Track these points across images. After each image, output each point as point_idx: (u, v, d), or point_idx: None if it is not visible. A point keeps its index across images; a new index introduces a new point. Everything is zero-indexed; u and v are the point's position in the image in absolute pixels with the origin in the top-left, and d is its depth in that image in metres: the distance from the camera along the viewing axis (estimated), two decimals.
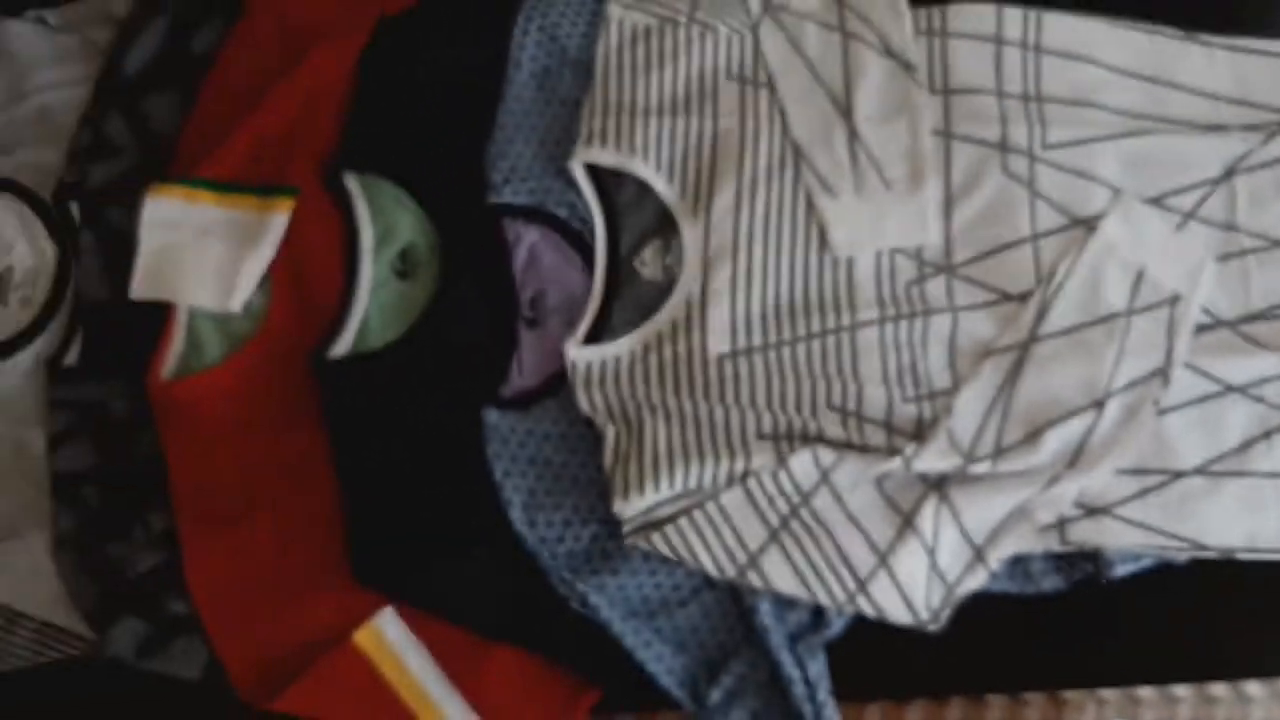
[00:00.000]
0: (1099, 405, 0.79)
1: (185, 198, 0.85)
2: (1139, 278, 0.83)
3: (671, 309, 0.84)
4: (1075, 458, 0.79)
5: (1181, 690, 0.85)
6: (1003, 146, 0.86)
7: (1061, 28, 0.89)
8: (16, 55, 0.93)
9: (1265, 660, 0.84)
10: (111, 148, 0.89)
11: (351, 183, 0.87)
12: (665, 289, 0.85)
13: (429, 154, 0.88)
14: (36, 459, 0.85)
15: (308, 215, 0.86)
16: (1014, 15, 0.89)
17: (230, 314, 0.85)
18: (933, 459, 0.77)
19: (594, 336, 0.84)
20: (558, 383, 0.84)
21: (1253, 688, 0.85)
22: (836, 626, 0.79)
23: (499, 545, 0.80)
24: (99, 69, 0.91)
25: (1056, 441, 0.79)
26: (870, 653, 0.80)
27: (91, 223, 0.88)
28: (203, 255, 0.85)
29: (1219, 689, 0.85)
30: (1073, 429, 0.79)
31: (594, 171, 0.87)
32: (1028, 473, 0.79)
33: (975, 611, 0.78)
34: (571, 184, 0.87)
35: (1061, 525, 0.79)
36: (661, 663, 0.78)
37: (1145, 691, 0.85)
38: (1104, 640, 0.83)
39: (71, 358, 0.87)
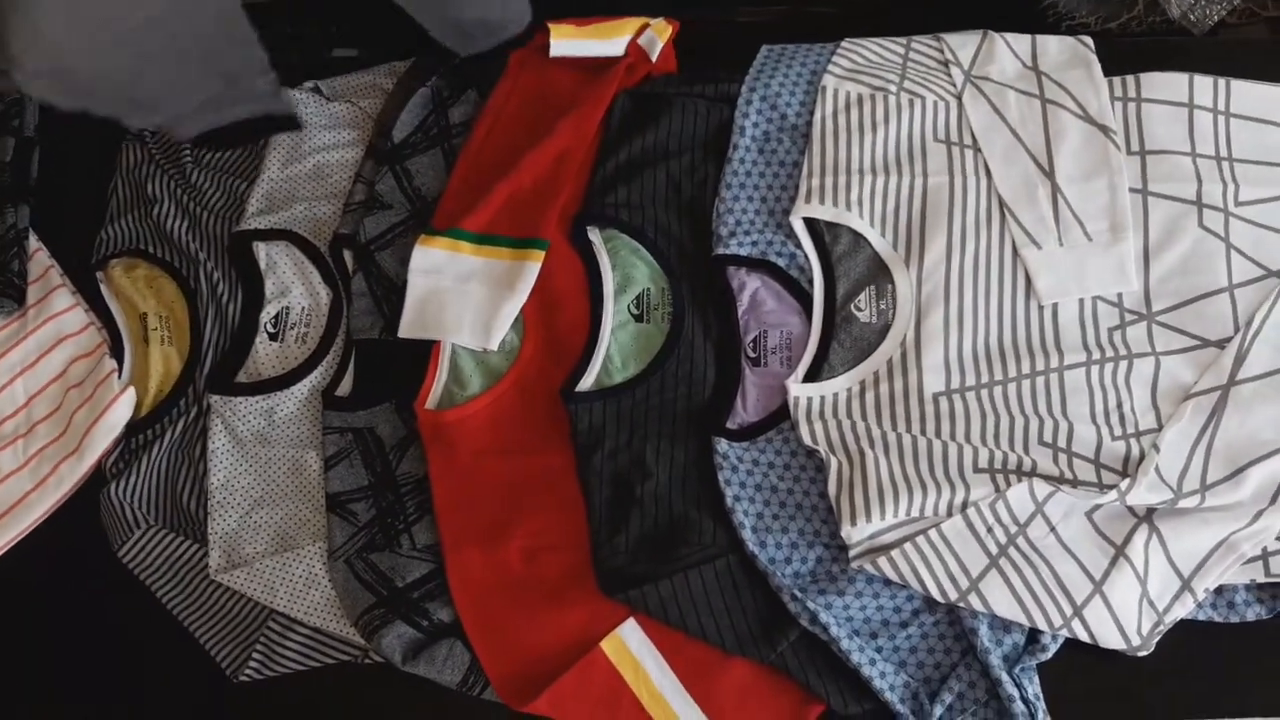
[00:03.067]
0: None
1: (449, 248, 0.95)
2: None
3: (887, 349, 0.91)
4: (1278, 494, 0.84)
5: None
6: (1198, 203, 0.92)
7: (1250, 94, 0.96)
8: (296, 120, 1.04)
9: None
10: (382, 203, 1.00)
11: (594, 236, 0.97)
12: (881, 331, 0.92)
13: (662, 210, 0.97)
14: (313, 478, 0.95)
15: (556, 264, 0.95)
16: (1204, 83, 0.96)
17: (488, 351, 0.94)
18: (1145, 494, 0.82)
19: (812, 375, 0.92)
20: (778, 417, 0.92)
21: None
22: (1050, 650, 0.84)
23: (731, 564, 0.87)
24: (371, 134, 1.03)
25: (1259, 478, 0.84)
26: (1080, 677, 0.85)
27: (363, 269, 0.98)
28: (464, 299, 0.95)
29: None
30: (1274, 467, 0.84)
31: (812, 225, 0.95)
32: (1232, 508, 0.83)
33: (1180, 638, 0.83)
34: (791, 236, 0.95)
35: (1265, 557, 0.84)
36: (885, 679, 0.83)
37: None
38: None
39: (344, 388, 0.97)
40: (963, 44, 1.01)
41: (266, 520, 0.95)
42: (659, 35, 1.04)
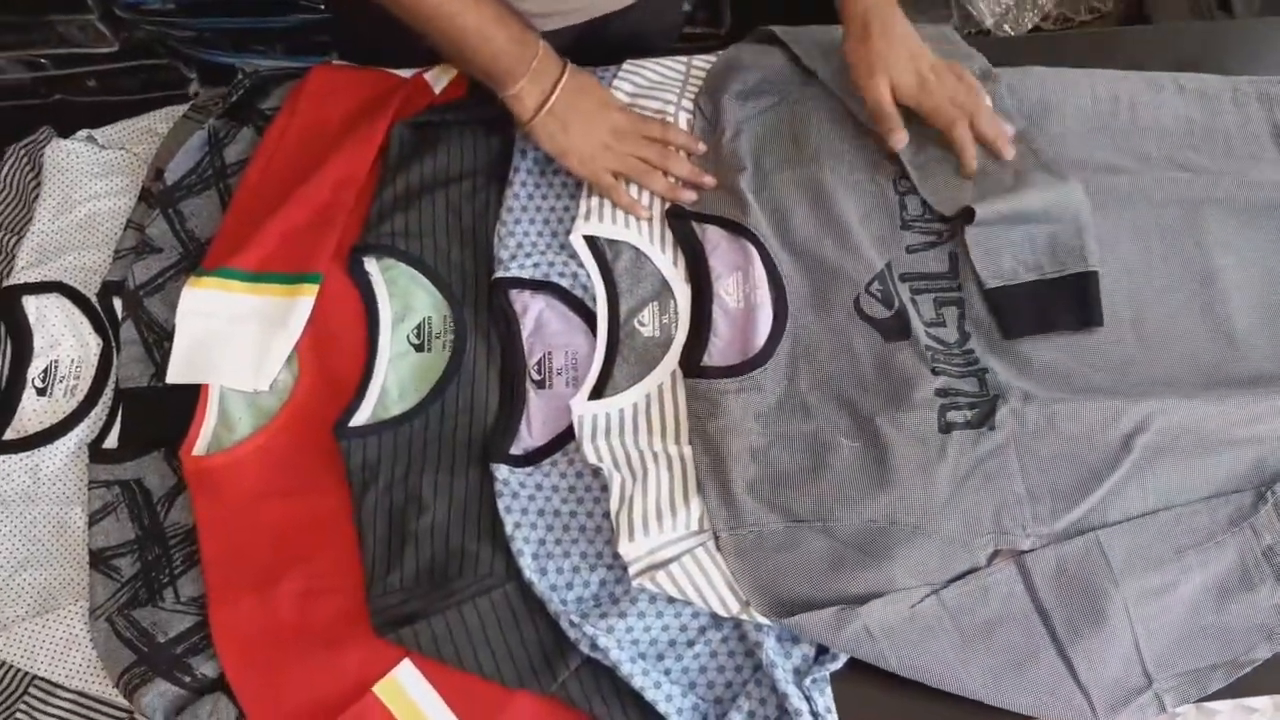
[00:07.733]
0: None
1: (219, 288, 0.92)
2: None
3: (671, 362, 0.88)
4: None
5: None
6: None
7: None
8: (66, 170, 1.01)
9: None
10: (152, 247, 0.96)
11: (371, 265, 0.94)
12: (664, 345, 0.89)
13: (443, 237, 0.95)
14: (77, 536, 0.89)
15: (331, 297, 0.92)
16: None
17: (259, 391, 0.90)
18: None
19: (598, 392, 0.88)
20: (565, 439, 0.88)
21: None
22: (841, 658, 0.80)
23: (509, 593, 0.83)
24: (145, 178, 1.00)
25: None
26: (872, 685, 0.81)
27: (133, 316, 0.94)
28: (235, 340, 0.91)
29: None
30: None
31: (593, 244, 0.93)
32: None
33: None
34: (573, 257, 0.93)
35: None
36: (671, 702, 0.78)
37: None
38: None
39: (112, 440, 0.92)
40: None
41: (30, 583, 0.89)
42: (445, 74, 1.02)
